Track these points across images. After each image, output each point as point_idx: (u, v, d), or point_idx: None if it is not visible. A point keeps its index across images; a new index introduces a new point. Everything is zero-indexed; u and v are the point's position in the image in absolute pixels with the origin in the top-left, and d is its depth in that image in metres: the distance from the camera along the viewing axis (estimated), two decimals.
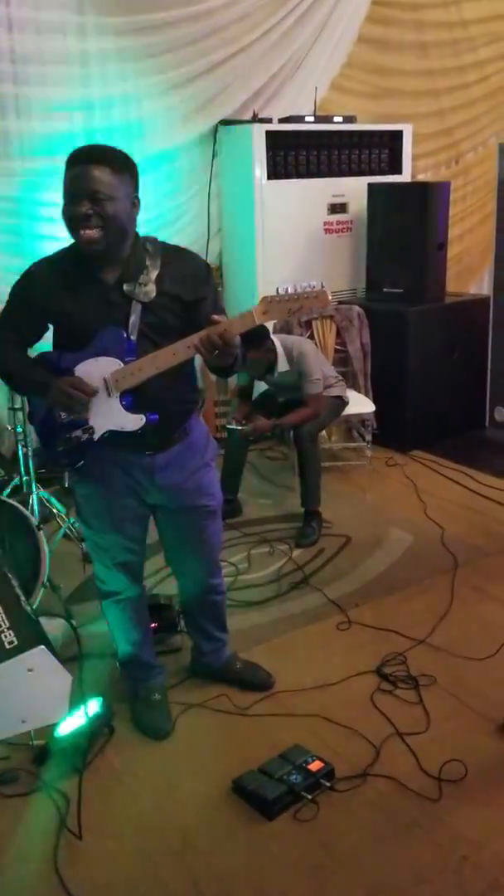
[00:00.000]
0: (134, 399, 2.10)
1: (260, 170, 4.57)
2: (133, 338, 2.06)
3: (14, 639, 1.08)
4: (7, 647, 1.07)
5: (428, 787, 2.14)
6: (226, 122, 4.72)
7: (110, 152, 2.03)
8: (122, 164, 2.01)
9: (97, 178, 1.95)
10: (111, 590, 2.42)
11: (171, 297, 2.09)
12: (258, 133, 4.52)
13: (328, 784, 2.13)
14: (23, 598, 1.22)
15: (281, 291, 1.96)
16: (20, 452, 3.48)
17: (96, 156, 1.99)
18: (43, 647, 1.05)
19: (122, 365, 2.06)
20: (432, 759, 2.23)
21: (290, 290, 1.96)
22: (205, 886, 1.88)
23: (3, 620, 1.13)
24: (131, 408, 2.10)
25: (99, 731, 2.36)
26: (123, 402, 2.09)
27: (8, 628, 1.11)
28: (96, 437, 2.14)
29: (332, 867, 1.91)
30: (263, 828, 2.04)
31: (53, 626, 2.84)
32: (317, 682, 2.59)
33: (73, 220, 1.99)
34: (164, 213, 4.69)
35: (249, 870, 1.92)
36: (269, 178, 4.60)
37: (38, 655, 1.06)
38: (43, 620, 2.89)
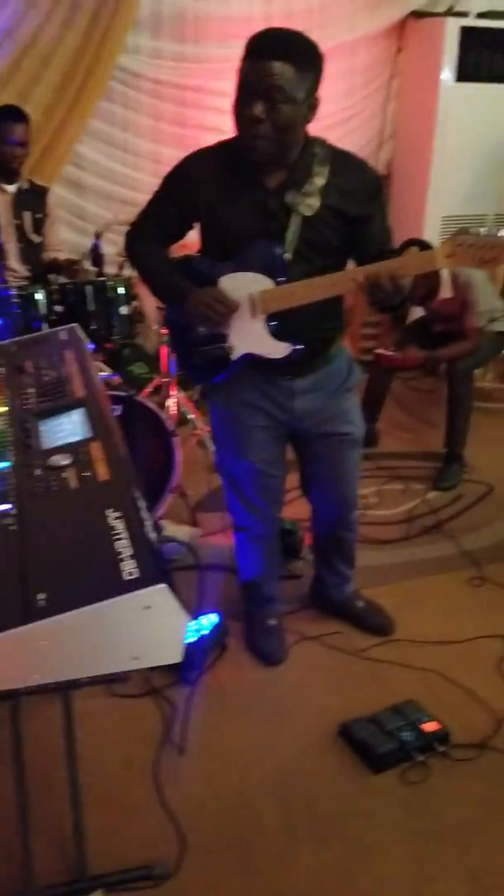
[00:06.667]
0: (280, 324, 1.94)
1: (449, 70, 4.15)
2: (288, 255, 1.88)
3: (135, 570, 0.99)
4: (126, 578, 0.97)
5: None
6: (417, 14, 4.27)
7: (298, 43, 1.75)
8: (310, 60, 1.75)
9: (278, 74, 1.69)
10: (241, 524, 2.35)
11: (334, 212, 1.87)
12: (451, 28, 4.08)
13: (442, 749, 2.01)
14: (148, 523, 1.12)
15: (475, 231, 1.66)
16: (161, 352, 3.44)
17: (281, 47, 1.71)
18: (165, 585, 0.95)
19: (272, 284, 1.89)
20: None
21: (483, 233, 1.66)
22: (298, 828, 1.83)
23: (127, 548, 1.04)
24: (277, 334, 1.94)
25: (213, 647, 2.35)
26: (270, 327, 1.94)
27: (130, 557, 1.02)
28: (234, 356, 2.00)
29: (436, 838, 1.81)
30: (367, 780, 1.96)
31: (178, 533, 2.84)
32: (441, 636, 2.45)
33: (242, 120, 1.78)
34: (335, 111, 4.36)
35: (347, 821, 1.85)
36: (457, 80, 4.16)
37: (159, 594, 0.96)
38: (169, 526, 2.91)
